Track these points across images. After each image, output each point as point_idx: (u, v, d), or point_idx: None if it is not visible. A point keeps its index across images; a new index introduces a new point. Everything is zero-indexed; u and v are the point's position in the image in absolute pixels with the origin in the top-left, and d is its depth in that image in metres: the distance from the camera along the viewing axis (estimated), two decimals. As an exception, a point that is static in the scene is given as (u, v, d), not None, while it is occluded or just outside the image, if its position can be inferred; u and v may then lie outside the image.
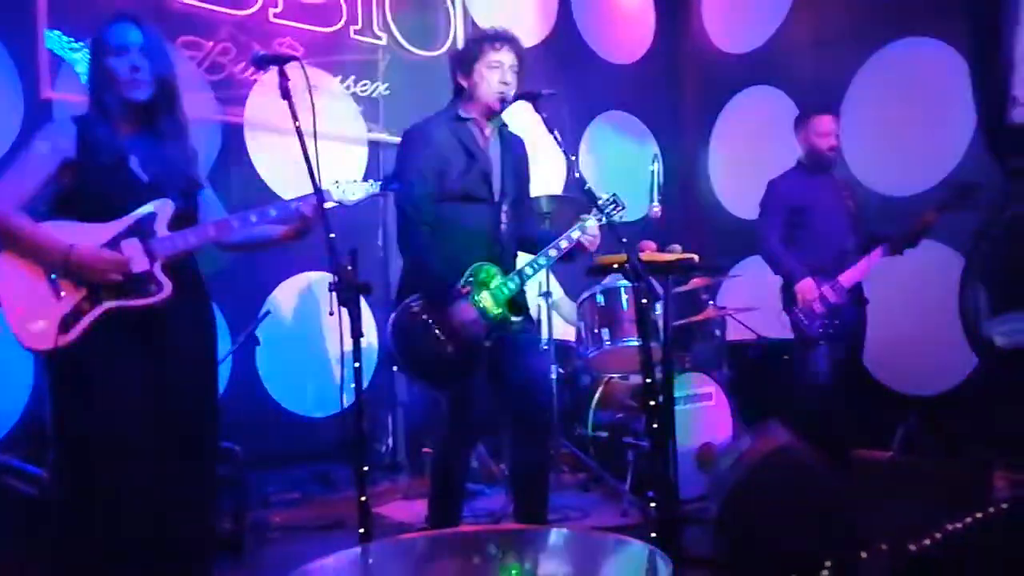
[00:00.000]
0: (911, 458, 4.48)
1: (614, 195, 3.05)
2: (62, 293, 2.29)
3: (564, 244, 2.93)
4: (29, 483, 3.20)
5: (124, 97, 2.36)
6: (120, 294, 2.32)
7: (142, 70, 2.36)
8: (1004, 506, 2.96)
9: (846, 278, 4.02)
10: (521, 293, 2.98)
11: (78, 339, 2.28)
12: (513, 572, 1.97)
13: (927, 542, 2.73)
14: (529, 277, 2.95)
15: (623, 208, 3.05)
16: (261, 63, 2.37)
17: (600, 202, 2.89)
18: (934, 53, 4.89)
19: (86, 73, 2.41)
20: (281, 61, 2.34)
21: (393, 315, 2.84)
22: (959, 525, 2.80)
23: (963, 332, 4.64)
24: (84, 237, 2.30)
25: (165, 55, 2.43)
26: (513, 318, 2.93)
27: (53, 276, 2.28)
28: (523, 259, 3.02)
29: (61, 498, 2.41)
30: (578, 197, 2.83)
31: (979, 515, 2.84)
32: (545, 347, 4.26)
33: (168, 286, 2.36)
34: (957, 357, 4.62)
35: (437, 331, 2.80)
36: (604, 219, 2.88)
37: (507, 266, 2.96)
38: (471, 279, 2.86)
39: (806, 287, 4.02)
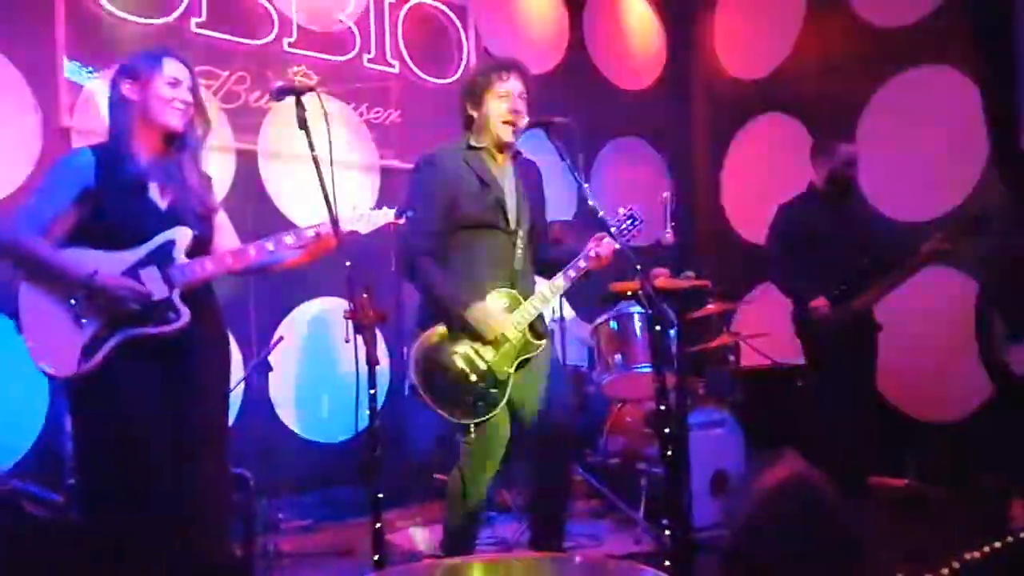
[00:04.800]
0: (927, 486, 4.45)
1: (631, 211, 3.04)
2: (83, 320, 2.31)
3: (582, 264, 2.94)
4: (44, 508, 3.21)
5: (161, 124, 2.42)
6: (139, 322, 2.34)
7: (186, 103, 2.45)
8: (1022, 535, 2.92)
9: (858, 304, 4.02)
10: (540, 318, 2.98)
11: (98, 365, 2.30)
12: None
13: (944, 571, 2.69)
14: (548, 301, 2.95)
15: (641, 222, 3.04)
16: (279, 94, 2.41)
17: (616, 220, 2.90)
18: (946, 80, 4.90)
19: (113, 100, 2.45)
20: (299, 92, 2.38)
21: (415, 348, 2.83)
22: (976, 554, 2.76)
23: (979, 359, 4.61)
24: (104, 265, 2.33)
25: (199, 92, 2.52)
26: (534, 342, 2.93)
27: (72, 302, 2.31)
28: (540, 284, 3.03)
29: (80, 521, 2.42)
30: (591, 222, 2.84)
31: (996, 544, 2.80)
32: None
33: (186, 314, 2.38)
34: (973, 384, 4.59)
35: (458, 359, 2.80)
36: (620, 242, 2.88)
37: (525, 292, 2.96)
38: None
39: (819, 304, 4.03)
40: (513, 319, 2.86)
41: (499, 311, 2.84)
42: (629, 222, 3.02)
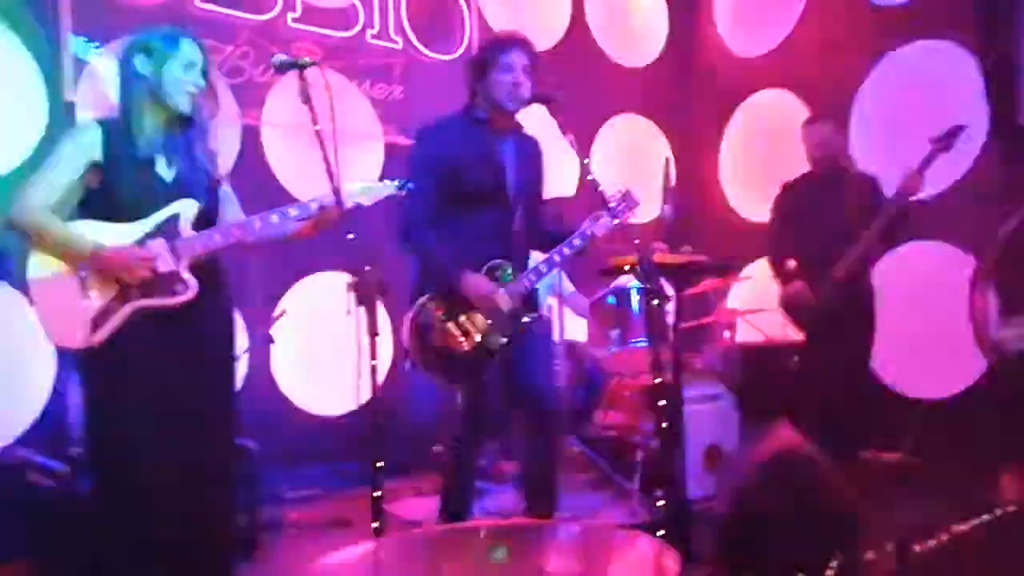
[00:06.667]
0: (919, 460, 4.50)
1: (627, 191, 3.08)
2: (91, 292, 2.34)
3: (577, 242, 2.98)
4: (50, 478, 3.27)
5: (171, 105, 2.44)
6: (147, 293, 2.37)
7: (199, 87, 2.46)
8: (1012, 508, 2.97)
9: (839, 271, 4.02)
10: (534, 291, 3.03)
11: (108, 337, 2.33)
12: (525, 565, 2.01)
13: (934, 543, 2.75)
14: (544, 275, 3.00)
15: (636, 205, 3.09)
16: (282, 68, 2.44)
17: (612, 201, 2.94)
18: (946, 55, 4.90)
19: (125, 73, 2.46)
20: (302, 66, 2.40)
21: (410, 313, 2.89)
22: (966, 527, 2.82)
23: (973, 335, 4.65)
24: (111, 237, 2.36)
25: (212, 74, 2.54)
26: (526, 315, 2.98)
27: (82, 274, 2.34)
28: (536, 257, 3.07)
29: (89, 493, 2.46)
30: (591, 198, 2.88)
31: (987, 517, 2.86)
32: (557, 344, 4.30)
33: (194, 285, 2.41)
34: (967, 360, 4.63)
35: (452, 327, 2.85)
36: (617, 220, 2.92)
37: (521, 265, 3.01)
38: (486, 276, 2.91)
39: (794, 288, 4.08)
40: (507, 291, 2.91)
41: (492, 283, 2.88)
42: (624, 203, 3.06)
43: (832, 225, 4.07)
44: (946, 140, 3.88)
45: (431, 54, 5.26)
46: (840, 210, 4.07)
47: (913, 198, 3.92)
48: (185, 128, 2.50)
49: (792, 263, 4.08)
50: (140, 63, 2.43)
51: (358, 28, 4.97)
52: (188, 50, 2.46)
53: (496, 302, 2.87)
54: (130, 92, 2.44)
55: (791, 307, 4.18)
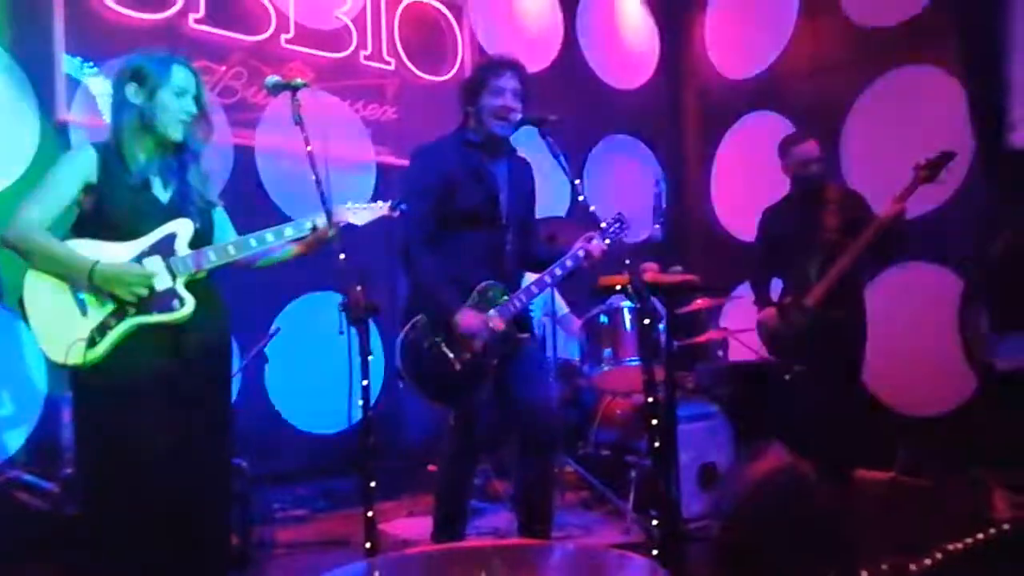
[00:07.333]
0: (912, 478, 4.51)
1: (619, 214, 3.11)
2: (88, 309, 2.35)
3: (569, 263, 3.00)
4: (41, 498, 3.25)
5: (164, 135, 2.44)
6: (144, 310, 2.38)
7: (190, 114, 2.47)
8: (1004, 527, 2.98)
9: (814, 298, 3.99)
10: (526, 310, 3.04)
11: (103, 354, 2.33)
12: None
13: (928, 562, 2.76)
14: (535, 295, 3.01)
15: (628, 227, 3.11)
16: (275, 89, 2.45)
17: (604, 224, 2.96)
18: (932, 80, 4.96)
19: (117, 100, 2.46)
20: (295, 88, 2.42)
21: (401, 334, 2.90)
22: (959, 545, 2.82)
23: (963, 353, 4.67)
24: (107, 255, 2.36)
25: (204, 98, 2.54)
26: (518, 335, 2.99)
27: (80, 294, 2.34)
28: (528, 279, 3.08)
29: (79, 511, 2.45)
30: (582, 219, 2.90)
31: (979, 536, 2.87)
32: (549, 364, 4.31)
33: (191, 302, 2.42)
34: (958, 378, 4.65)
35: (444, 348, 2.86)
36: (608, 241, 2.94)
37: (513, 286, 3.02)
38: (478, 297, 2.92)
39: (765, 315, 4.11)
40: (498, 312, 2.92)
41: (484, 323, 2.88)
42: (617, 225, 3.09)
43: (816, 246, 4.07)
44: (930, 169, 3.89)
45: (424, 75, 5.30)
46: (824, 230, 4.05)
47: (892, 226, 3.92)
48: (178, 152, 2.51)
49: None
50: (131, 91, 2.43)
51: (351, 49, 5.00)
52: (179, 77, 2.46)
53: (482, 342, 2.87)
54: (121, 120, 2.45)
55: (762, 332, 4.21)
